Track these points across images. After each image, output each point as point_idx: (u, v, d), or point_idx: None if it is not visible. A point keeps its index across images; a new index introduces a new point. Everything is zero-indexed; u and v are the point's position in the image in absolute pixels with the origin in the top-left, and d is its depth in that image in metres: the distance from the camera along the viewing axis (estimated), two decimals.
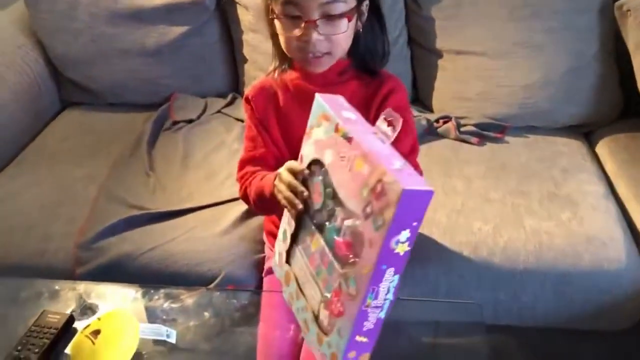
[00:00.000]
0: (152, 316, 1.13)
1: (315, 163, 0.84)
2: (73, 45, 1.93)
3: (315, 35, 0.99)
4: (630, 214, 1.51)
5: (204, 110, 1.91)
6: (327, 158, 0.81)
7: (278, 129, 1.16)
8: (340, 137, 0.79)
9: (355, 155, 0.75)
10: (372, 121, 1.08)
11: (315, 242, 0.82)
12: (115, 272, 1.38)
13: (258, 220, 1.44)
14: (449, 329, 1.08)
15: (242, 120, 1.81)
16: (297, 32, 1.00)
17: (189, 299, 1.20)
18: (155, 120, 1.85)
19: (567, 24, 1.73)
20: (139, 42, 1.91)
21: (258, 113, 1.16)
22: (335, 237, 0.78)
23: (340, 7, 0.99)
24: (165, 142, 1.79)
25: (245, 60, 1.96)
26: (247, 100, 1.17)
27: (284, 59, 1.12)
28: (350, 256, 0.75)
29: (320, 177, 0.83)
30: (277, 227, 1.28)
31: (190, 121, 1.87)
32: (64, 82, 2.03)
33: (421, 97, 1.95)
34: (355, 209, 0.74)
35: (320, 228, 0.83)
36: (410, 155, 1.13)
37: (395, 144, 1.06)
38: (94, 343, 0.97)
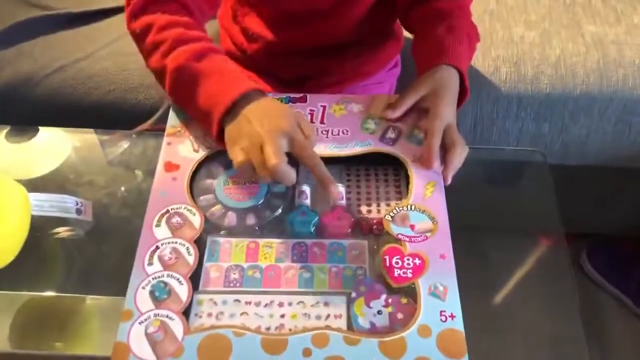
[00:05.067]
0: (56, 180, 0.76)
1: None
2: None
3: None
4: None
5: None
6: None
7: None
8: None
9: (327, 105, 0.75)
10: None
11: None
12: (10, 101, 1.11)
13: (213, 27, 1.03)
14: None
15: None
16: None
17: (113, 146, 0.82)
18: None
19: None
20: None
21: None
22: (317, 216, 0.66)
23: None
24: None
25: None
26: None
27: None
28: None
29: None
30: (237, 48, 0.92)
31: None
32: None
33: None
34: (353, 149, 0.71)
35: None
36: None
37: None
38: None
